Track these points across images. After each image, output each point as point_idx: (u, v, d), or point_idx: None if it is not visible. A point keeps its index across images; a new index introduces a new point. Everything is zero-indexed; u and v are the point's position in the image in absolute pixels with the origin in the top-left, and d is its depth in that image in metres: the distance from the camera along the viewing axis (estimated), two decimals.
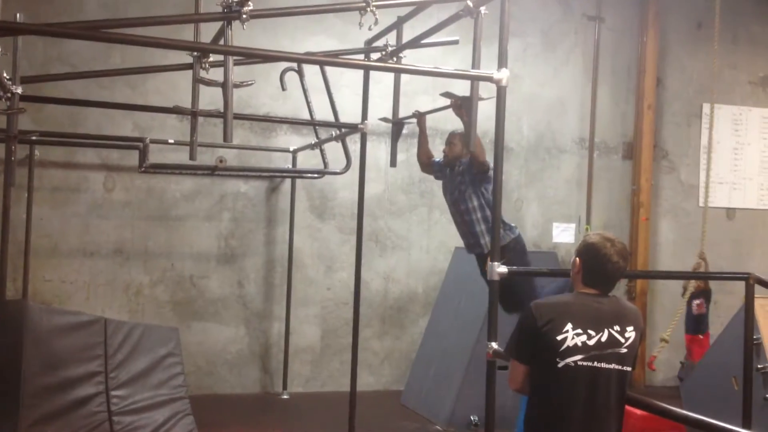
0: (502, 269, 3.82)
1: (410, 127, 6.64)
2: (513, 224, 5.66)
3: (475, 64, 4.59)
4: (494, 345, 3.68)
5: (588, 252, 3.04)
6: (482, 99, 4.64)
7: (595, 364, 2.92)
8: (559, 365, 2.90)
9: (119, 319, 6.20)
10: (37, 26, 4.73)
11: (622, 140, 9.09)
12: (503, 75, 4.00)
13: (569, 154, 8.91)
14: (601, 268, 3.01)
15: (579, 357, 2.90)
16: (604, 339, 2.94)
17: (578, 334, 2.92)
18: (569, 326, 2.92)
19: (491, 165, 5.22)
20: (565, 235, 8.78)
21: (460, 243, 8.16)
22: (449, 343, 7.17)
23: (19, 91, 5.13)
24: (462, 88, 4.97)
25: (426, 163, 5.99)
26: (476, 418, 6.56)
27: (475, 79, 4.55)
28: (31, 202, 6.94)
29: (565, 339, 2.91)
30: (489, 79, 4.05)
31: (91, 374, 5.48)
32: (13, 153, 6.59)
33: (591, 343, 2.92)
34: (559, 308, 3.00)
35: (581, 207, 8.87)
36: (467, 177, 5.51)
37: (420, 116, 5.83)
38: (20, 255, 6.76)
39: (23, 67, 5.23)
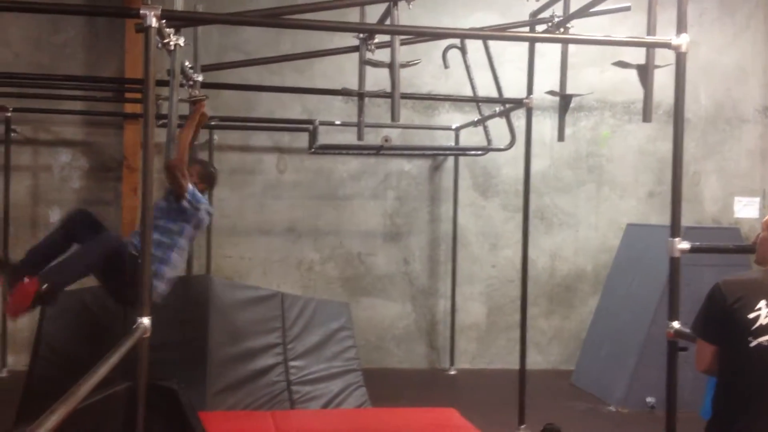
0: (684, 245, 3.63)
1: (577, 100, 6.44)
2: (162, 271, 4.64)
3: (651, 30, 4.38)
4: (676, 324, 3.52)
5: None
6: (659, 66, 4.41)
7: None
8: (751, 345, 2.72)
9: (294, 294, 6.47)
10: (220, 16, 4.99)
11: None
12: (683, 41, 3.78)
13: (752, 123, 8.33)
14: None
15: None
16: None
17: None
18: (762, 303, 2.73)
19: (192, 196, 4.64)
20: (748, 209, 8.22)
21: (632, 219, 7.92)
22: (622, 322, 6.93)
23: (200, 78, 5.44)
24: (634, 57, 4.75)
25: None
26: (652, 400, 6.32)
27: (651, 46, 4.33)
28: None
29: (757, 317, 2.72)
30: (667, 45, 3.84)
31: (271, 346, 5.77)
32: (196, 138, 7.06)
33: None
34: (749, 285, 2.81)
35: (766, 180, 8.26)
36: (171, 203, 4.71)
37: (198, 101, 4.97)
38: (203, 234, 7.21)
39: (201, 56, 5.53)
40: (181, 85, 5.11)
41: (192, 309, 5.60)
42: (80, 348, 5.46)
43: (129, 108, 7.33)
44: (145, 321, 3.26)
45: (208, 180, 5.11)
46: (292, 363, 5.75)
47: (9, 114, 6.95)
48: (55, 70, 7.24)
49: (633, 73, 4.59)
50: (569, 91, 5.48)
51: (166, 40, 4.01)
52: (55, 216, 7.40)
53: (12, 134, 7.08)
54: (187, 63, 5.28)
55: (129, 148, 7.31)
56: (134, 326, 3.22)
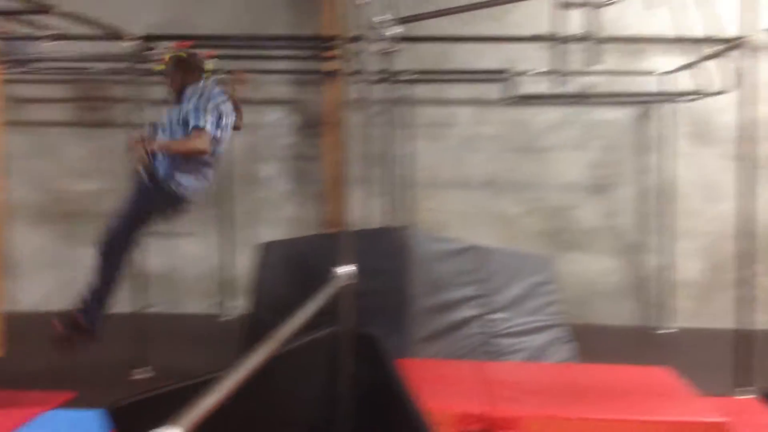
0: None
1: None
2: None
3: None
4: None
5: None
6: None
7: None
8: None
9: (494, 247, 6.37)
10: None
11: None
12: None
13: None
14: None
15: None
16: None
17: None
18: None
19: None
20: None
21: None
22: None
23: (399, 30, 5.44)
24: None
25: None
26: None
27: None
28: (412, 138, 7.41)
29: None
30: None
31: (469, 298, 5.71)
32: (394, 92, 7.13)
33: None
34: None
35: None
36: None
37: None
38: (404, 187, 7.29)
39: (399, 10, 5.52)
40: (375, 40, 5.14)
41: (393, 259, 5.67)
42: (295, 294, 5.71)
43: (327, 65, 7.52)
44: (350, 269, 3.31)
45: (188, 68, 5.17)
46: (492, 316, 5.67)
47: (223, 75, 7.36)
48: (261, 31, 7.56)
49: None
50: None
51: None
52: (270, 170, 7.80)
53: None
54: (380, 18, 5.29)
55: (329, 105, 7.52)
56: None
